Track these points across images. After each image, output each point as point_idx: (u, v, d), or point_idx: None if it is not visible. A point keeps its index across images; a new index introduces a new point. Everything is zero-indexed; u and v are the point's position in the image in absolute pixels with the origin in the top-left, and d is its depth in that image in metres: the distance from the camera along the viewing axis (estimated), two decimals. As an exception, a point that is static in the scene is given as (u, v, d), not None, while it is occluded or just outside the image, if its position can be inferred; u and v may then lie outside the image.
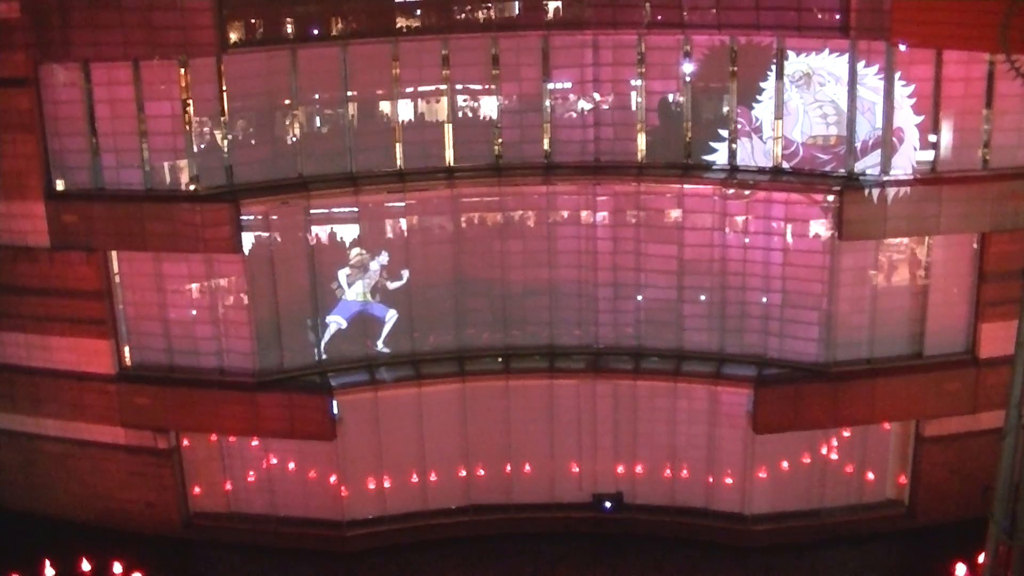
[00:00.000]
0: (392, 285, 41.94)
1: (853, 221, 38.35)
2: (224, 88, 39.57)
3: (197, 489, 43.72)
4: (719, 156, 40.91)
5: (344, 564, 42.28)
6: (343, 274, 41.69)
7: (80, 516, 43.99)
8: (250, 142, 40.88)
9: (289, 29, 39.90)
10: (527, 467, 43.32)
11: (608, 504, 42.87)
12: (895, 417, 41.40)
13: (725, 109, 40.72)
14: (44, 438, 43.70)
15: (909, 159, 38.84)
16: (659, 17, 40.05)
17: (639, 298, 42.20)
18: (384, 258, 41.80)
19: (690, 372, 41.77)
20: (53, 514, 44.22)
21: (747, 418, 40.87)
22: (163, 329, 41.63)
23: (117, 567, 40.28)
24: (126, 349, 42.15)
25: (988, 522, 27.99)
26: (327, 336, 42.10)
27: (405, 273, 41.94)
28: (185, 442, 43.23)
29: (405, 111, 41.63)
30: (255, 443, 42.86)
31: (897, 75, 38.13)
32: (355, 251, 41.59)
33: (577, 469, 43.28)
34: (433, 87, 41.60)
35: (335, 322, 42.04)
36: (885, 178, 38.56)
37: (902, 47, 37.30)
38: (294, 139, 40.97)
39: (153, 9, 37.86)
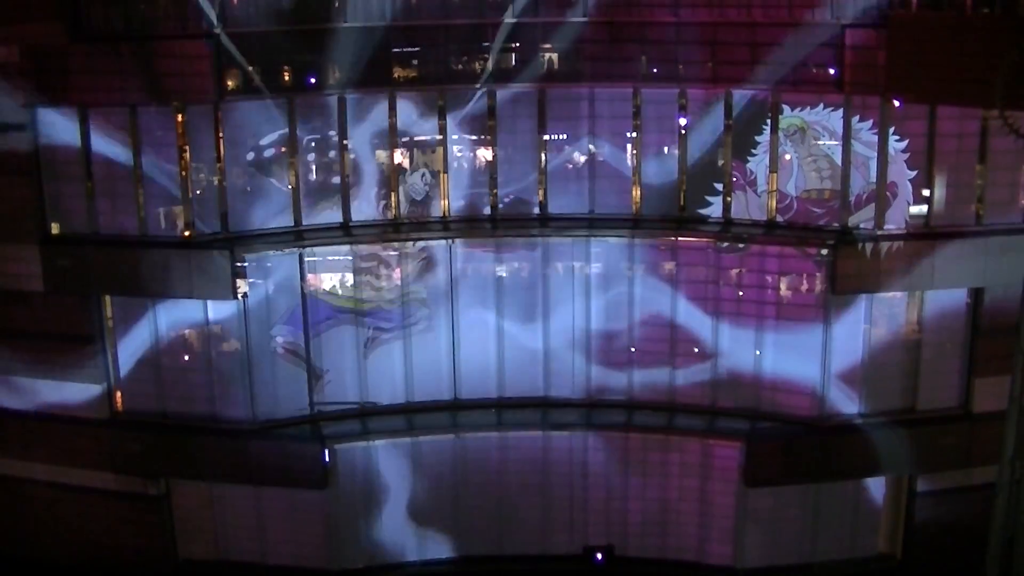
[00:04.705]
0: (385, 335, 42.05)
1: (846, 275, 38.40)
2: (221, 135, 39.76)
3: (187, 536, 43.38)
4: (714, 209, 41.03)
5: (333, 613, 42.04)
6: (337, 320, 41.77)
7: (69, 561, 43.69)
8: (246, 189, 40.93)
9: (286, 77, 40.03)
10: (519, 518, 43.10)
11: (599, 556, 42.70)
12: (888, 471, 41.17)
13: (720, 162, 40.88)
14: (34, 482, 43.39)
15: (903, 214, 38.95)
16: (655, 70, 40.25)
17: (632, 350, 42.17)
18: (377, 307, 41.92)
19: (682, 426, 41.69)
20: (41, 559, 43.90)
21: (739, 472, 40.76)
22: (156, 375, 41.55)
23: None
24: (118, 394, 42.02)
25: (981, 577, 28.01)
26: (320, 384, 42.02)
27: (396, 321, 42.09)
28: (176, 488, 42.98)
29: (401, 161, 41.71)
30: (246, 490, 42.61)
31: (891, 130, 38.32)
32: (349, 297, 41.60)
33: (569, 521, 43.07)
34: (429, 137, 41.73)
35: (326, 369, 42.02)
36: (879, 232, 38.66)
37: (896, 102, 37.55)
38: (290, 187, 41.05)
39: (151, 56, 38.15)
